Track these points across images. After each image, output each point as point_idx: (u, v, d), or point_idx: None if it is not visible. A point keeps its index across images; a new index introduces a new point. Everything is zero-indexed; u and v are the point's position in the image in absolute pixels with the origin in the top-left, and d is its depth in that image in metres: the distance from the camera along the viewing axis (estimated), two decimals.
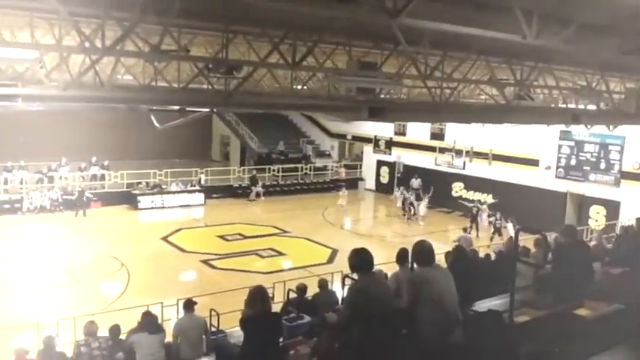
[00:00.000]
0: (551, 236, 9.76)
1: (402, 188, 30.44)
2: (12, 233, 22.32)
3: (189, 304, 9.73)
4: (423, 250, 5.41)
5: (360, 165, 36.60)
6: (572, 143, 25.64)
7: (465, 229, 20.54)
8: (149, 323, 9.25)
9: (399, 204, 29.43)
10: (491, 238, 23.84)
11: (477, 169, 29.25)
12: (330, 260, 20.28)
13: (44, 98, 9.79)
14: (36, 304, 15.26)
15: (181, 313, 10.33)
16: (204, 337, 9.67)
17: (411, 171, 32.43)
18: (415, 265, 5.59)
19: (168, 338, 9.47)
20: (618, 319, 6.46)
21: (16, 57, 9.23)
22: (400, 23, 5.93)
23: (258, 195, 31.04)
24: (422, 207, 27.07)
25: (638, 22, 6.88)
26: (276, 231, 24.52)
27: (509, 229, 23.42)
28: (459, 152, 30.16)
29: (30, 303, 15.45)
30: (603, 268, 8.65)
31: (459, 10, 6.47)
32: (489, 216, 25.27)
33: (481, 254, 12.74)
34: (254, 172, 32.15)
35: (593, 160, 24.96)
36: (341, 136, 38.50)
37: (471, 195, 29.33)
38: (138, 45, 10.39)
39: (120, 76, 16.48)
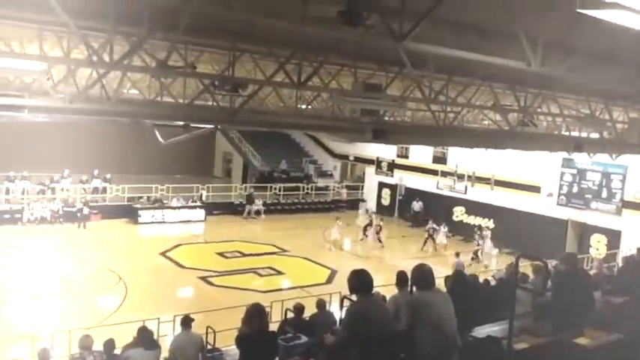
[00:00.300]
0: (552, 264, 9.72)
1: (369, 209, 29.86)
2: (11, 243, 22.27)
3: (186, 321, 9.67)
4: (423, 274, 5.39)
5: (362, 186, 36.60)
6: (574, 171, 25.63)
7: (457, 254, 20.36)
8: (145, 339, 9.18)
9: (362, 224, 27.89)
10: (472, 258, 24.01)
11: (479, 193, 29.22)
12: (329, 281, 20.20)
13: (50, 110, 9.86)
14: (32, 316, 15.18)
15: (178, 330, 10.27)
16: (200, 354, 9.60)
17: (412, 194, 32.42)
18: (415, 289, 5.56)
19: (164, 354, 9.40)
20: (618, 348, 6.41)
21: (24, 68, 9.31)
22: (406, 47, 5.98)
23: (258, 213, 31.01)
24: (440, 236, 26.23)
25: None
26: (276, 250, 24.44)
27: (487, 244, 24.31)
28: (460, 176, 30.16)
29: (26, 314, 15.37)
30: (604, 297, 8.59)
31: (465, 36, 6.53)
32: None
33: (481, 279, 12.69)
34: (251, 190, 32.16)
35: (595, 188, 24.93)
36: (343, 157, 38.58)
37: (472, 220, 29.29)
38: (145, 60, 10.48)
39: (126, 90, 16.57)
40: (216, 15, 5.49)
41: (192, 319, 9.78)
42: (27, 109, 8.88)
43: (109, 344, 9.28)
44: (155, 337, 10.08)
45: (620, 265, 14.75)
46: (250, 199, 31.12)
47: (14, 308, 15.99)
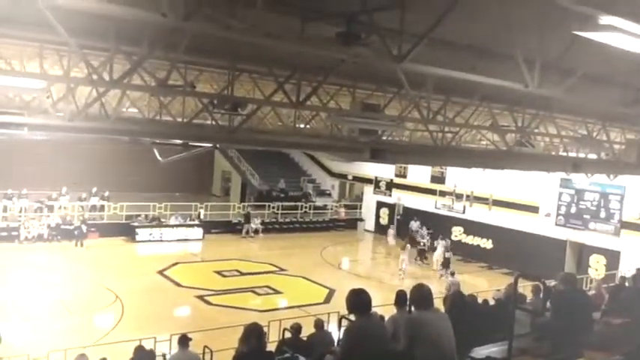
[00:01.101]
0: (550, 284, 9.69)
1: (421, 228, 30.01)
2: (7, 262, 22.14)
3: (184, 340, 9.60)
4: (422, 294, 5.37)
5: (360, 205, 36.58)
6: (572, 191, 25.67)
7: (452, 274, 20.29)
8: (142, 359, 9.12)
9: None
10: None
11: (477, 213, 29.19)
12: (327, 300, 20.09)
13: (50, 128, 9.88)
14: (28, 335, 15.04)
15: (175, 349, 10.19)
16: None
17: (410, 213, 32.40)
18: (413, 308, 5.54)
19: None
20: None
21: (23, 86, 9.35)
22: (404, 68, 6.03)
23: (256, 232, 30.94)
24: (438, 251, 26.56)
25: (639, 75, 6.99)
26: (274, 269, 24.35)
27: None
28: (459, 196, 30.12)
29: (22, 333, 15.24)
30: (603, 318, 8.55)
31: (463, 57, 6.59)
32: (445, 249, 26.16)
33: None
34: (249, 209, 32.16)
35: (594, 208, 24.94)
36: (342, 176, 38.60)
37: (470, 240, 29.29)
38: (144, 79, 10.54)
39: (125, 108, 16.63)
40: (215, 35, 5.54)
41: (190, 338, 9.71)
42: (26, 126, 8.91)
43: None
44: (152, 357, 10.02)
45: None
46: (247, 218, 31.09)
47: (9, 327, 15.84)
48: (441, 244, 26.60)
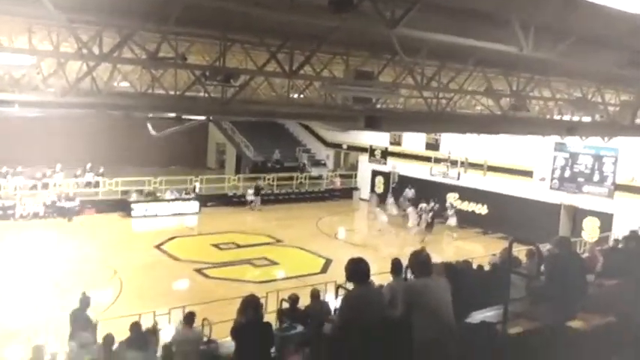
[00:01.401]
0: (545, 247, 9.77)
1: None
2: (3, 239, 22.17)
3: (190, 317, 9.68)
4: (420, 261, 5.40)
5: (356, 174, 36.63)
6: (566, 155, 25.74)
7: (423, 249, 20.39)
8: (137, 337, 9.18)
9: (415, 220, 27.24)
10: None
11: (472, 179, 29.30)
12: (324, 270, 20.24)
13: (41, 104, 9.80)
14: (26, 313, 15.12)
15: (174, 323, 10.27)
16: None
17: (405, 181, 32.47)
18: (412, 275, 5.58)
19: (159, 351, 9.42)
20: (612, 331, 6.47)
21: (13, 63, 9.23)
22: (398, 33, 5.96)
23: (251, 203, 31.00)
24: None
25: (634, 36, 6.94)
26: (271, 240, 24.46)
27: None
28: (454, 163, 30.22)
29: (20, 311, 15.32)
30: (597, 279, 8.65)
31: (457, 21, 6.51)
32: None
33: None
34: (258, 181, 32.13)
35: (588, 171, 25.06)
36: (337, 146, 38.55)
37: (465, 206, 29.42)
38: (135, 52, 10.41)
39: (116, 82, 16.44)
40: (206, 6, 5.46)
41: (194, 315, 9.79)
42: (17, 103, 8.82)
43: (109, 339, 9.28)
44: (149, 330, 10.10)
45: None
46: (258, 191, 31.10)
47: (7, 305, 15.92)
48: (412, 210, 27.22)
